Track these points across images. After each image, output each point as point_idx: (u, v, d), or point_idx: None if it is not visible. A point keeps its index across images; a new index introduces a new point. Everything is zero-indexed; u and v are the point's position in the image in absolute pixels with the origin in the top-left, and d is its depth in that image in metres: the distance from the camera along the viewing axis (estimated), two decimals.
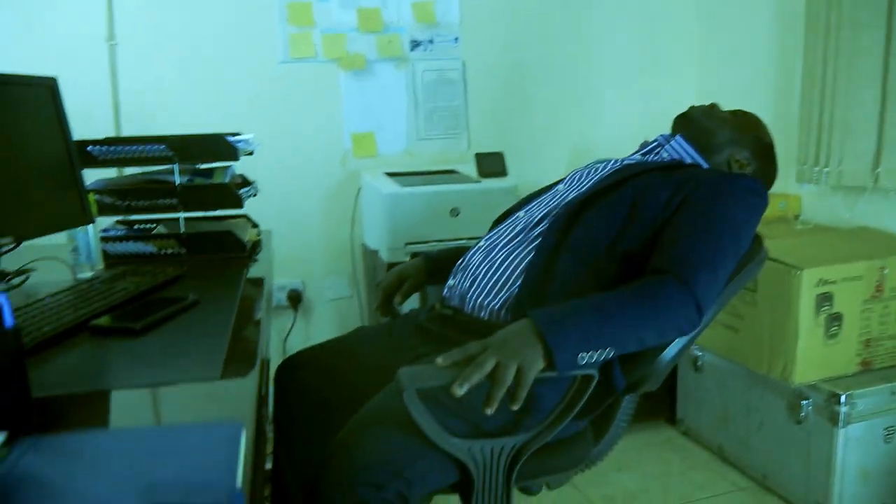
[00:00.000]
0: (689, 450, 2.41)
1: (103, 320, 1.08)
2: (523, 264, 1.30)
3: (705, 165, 1.47)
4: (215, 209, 1.67)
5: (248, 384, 0.85)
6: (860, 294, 1.89)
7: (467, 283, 1.35)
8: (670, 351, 1.28)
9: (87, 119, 1.83)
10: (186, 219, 1.65)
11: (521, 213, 1.44)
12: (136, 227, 1.70)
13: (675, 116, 1.55)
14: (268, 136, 2.44)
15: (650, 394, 2.56)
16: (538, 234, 1.33)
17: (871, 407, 1.86)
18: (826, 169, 2.18)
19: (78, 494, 0.49)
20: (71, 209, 1.42)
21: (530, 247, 1.32)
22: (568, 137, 2.84)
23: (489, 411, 1.05)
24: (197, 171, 1.70)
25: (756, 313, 1.98)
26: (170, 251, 1.61)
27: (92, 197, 1.52)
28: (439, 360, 1.07)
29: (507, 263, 1.32)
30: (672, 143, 1.49)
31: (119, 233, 1.63)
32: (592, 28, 2.81)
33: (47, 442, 0.62)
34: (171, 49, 2.39)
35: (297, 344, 2.49)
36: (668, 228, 1.26)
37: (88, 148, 1.58)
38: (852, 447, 1.86)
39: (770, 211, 2.40)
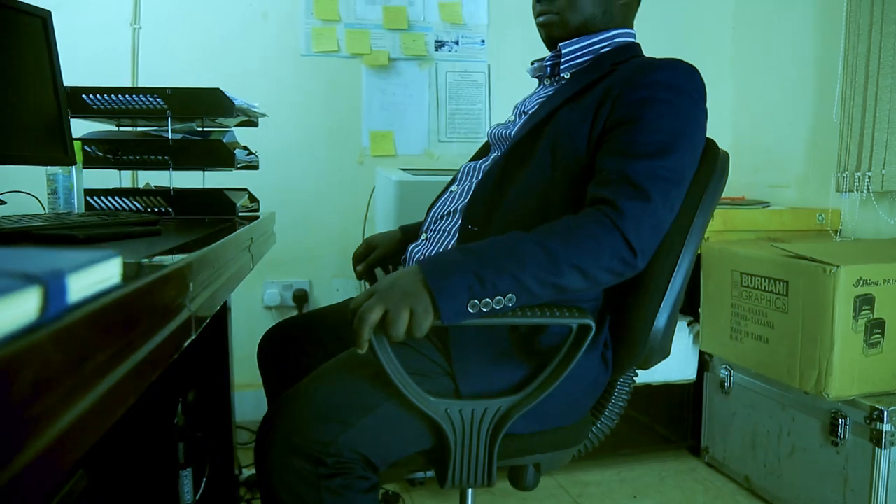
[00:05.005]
0: (714, 480, 2.20)
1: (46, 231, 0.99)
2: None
3: (603, 40, 1.24)
4: (207, 166, 1.59)
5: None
6: None
7: None
8: (660, 319, 1.13)
9: None
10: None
11: (454, 188, 1.30)
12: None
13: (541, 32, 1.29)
14: (284, 130, 2.41)
15: (672, 420, 2.39)
16: (460, 218, 1.20)
17: None
18: (868, 173, 2.02)
19: None
20: (53, 148, 1.36)
21: (453, 237, 1.20)
22: None
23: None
24: (194, 131, 1.64)
25: (788, 320, 1.81)
26: (156, 209, 1.54)
27: (78, 144, 1.46)
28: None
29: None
30: (563, 54, 1.25)
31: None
32: None
33: None
34: (194, 36, 2.38)
35: None
36: (598, 154, 1.08)
37: (83, 96, 1.53)
38: None
39: (807, 224, 2.27)
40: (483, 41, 2.59)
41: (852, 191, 2.11)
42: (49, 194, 1.41)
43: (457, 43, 2.57)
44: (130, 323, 0.56)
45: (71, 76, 2.07)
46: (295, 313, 2.52)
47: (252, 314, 2.48)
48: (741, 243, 2.10)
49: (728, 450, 2.18)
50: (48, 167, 1.42)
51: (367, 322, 0.91)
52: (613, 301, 1.16)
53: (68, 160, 1.37)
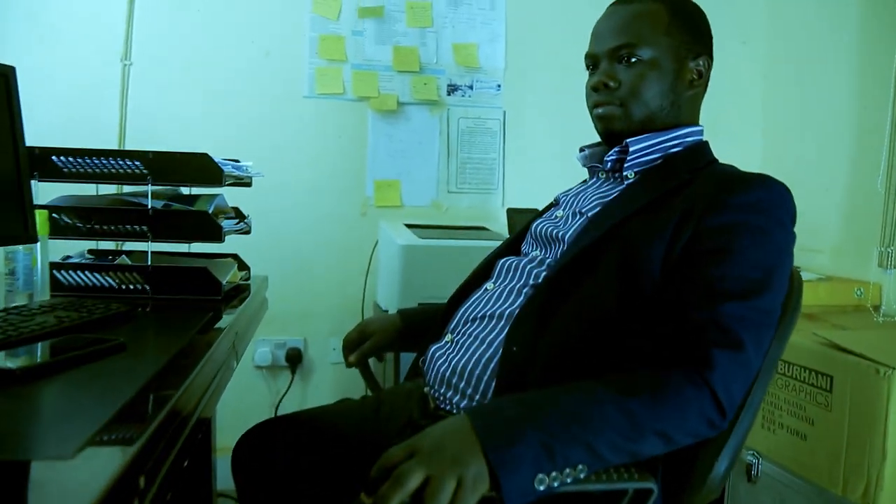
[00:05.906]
0: None
1: None
2: (491, 367, 1.01)
3: (674, 138, 1.11)
4: (190, 240, 1.43)
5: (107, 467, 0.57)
6: None
7: (443, 388, 1.07)
8: (720, 465, 0.97)
9: (90, 136, 1.69)
10: (164, 255, 1.43)
11: (489, 286, 1.13)
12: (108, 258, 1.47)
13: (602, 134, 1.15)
14: (282, 175, 2.24)
15: None
16: (501, 330, 1.03)
17: None
18: None
19: None
20: (10, 223, 1.19)
21: (495, 350, 1.02)
22: None
23: None
24: (178, 196, 1.47)
25: (831, 419, 1.63)
26: (132, 286, 1.37)
27: (45, 214, 1.29)
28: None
29: (472, 364, 1.03)
30: (630, 152, 1.10)
31: (74, 260, 1.39)
32: None
33: None
34: (188, 73, 2.23)
35: (289, 410, 2.20)
36: (671, 286, 0.93)
37: (53, 158, 1.37)
38: None
39: (845, 299, 2.09)
40: (499, 86, 2.43)
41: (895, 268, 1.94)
42: (7, 274, 1.24)
43: (471, 87, 2.41)
44: None
45: (55, 116, 1.93)
46: (287, 374, 2.35)
47: (241, 374, 2.30)
48: None
49: None
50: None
51: (404, 489, 0.74)
52: None
53: (27, 237, 1.20)
